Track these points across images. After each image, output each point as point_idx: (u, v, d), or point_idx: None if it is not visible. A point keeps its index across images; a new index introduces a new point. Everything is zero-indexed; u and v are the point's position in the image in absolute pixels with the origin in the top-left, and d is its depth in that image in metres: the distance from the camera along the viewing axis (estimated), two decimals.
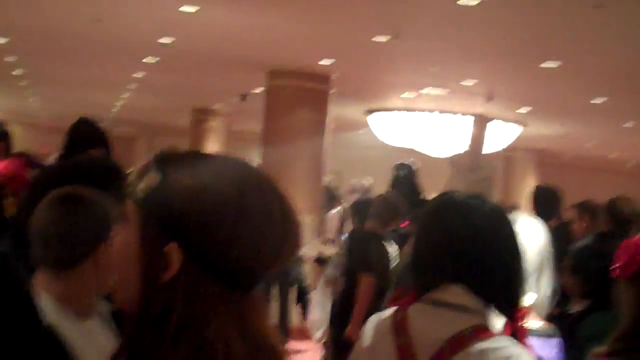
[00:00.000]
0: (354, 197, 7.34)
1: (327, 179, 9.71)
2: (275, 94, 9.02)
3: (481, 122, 4.96)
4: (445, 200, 1.71)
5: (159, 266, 0.94)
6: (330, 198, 10.82)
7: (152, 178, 0.96)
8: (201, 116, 14.54)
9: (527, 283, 1.71)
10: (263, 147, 8.98)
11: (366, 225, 5.22)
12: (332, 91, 9.05)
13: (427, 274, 1.66)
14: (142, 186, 0.96)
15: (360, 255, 4.96)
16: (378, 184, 12.35)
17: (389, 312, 1.71)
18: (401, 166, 6.67)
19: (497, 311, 1.63)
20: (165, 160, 0.97)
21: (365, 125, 12.70)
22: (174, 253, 0.93)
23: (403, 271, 3.89)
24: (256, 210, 0.95)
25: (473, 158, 4.59)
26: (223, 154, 1.02)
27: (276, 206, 0.97)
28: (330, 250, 7.23)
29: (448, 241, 1.62)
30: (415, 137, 11.27)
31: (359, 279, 4.95)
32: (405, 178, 6.47)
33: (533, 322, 2.10)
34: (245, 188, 0.95)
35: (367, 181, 7.82)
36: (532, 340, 1.99)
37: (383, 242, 5.05)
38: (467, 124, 10.04)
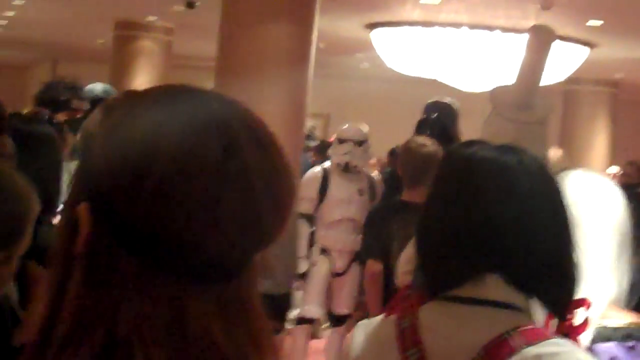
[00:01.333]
0: (342, 151, 7.31)
1: (310, 125, 9.48)
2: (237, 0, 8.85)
3: (541, 37, 4.98)
4: (465, 157, 1.74)
5: (71, 234, 0.99)
6: (315, 152, 10.67)
7: (92, 124, 1.02)
8: (128, 33, 14.51)
9: (586, 270, 1.78)
10: (218, 77, 8.81)
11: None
12: None
13: (445, 266, 1.72)
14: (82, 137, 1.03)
15: (368, 236, 5.31)
16: (384, 132, 12.18)
17: (381, 320, 1.80)
18: (432, 106, 6.63)
19: (543, 307, 1.72)
20: (119, 100, 1.03)
21: (366, 46, 12.62)
22: (83, 215, 0.98)
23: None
24: (205, 165, 0.96)
25: (524, 92, 4.65)
26: (204, 90, 1.05)
27: (256, 164, 0.99)
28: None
29: (476, 218, 1.68)
30: (439, 63, 11.23)
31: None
32: (438, 124, 6.42)
33: (616, 319, 2.09)
34: (192, 138, 0.97)
35: (362, 128, 7.81)
36: (613, 348, 2.03)
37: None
38: (513, 44, 9.97)
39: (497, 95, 4.79)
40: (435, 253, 1.75)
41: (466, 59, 10.93)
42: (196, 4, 11.33)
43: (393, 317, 1.76)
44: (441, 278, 1.72)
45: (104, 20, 14.16)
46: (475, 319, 1.66)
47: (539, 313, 1.73)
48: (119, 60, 14.52)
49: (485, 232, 1.67)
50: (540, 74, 4.80)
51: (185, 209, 0.94)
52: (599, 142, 15.79)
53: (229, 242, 0.97)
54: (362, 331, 1.82)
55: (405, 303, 1.78)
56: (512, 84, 4.81)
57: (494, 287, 1.66)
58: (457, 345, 1.65)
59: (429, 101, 6.83)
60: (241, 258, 1.00)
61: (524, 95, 4.61)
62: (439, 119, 6.53)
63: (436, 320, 1.70)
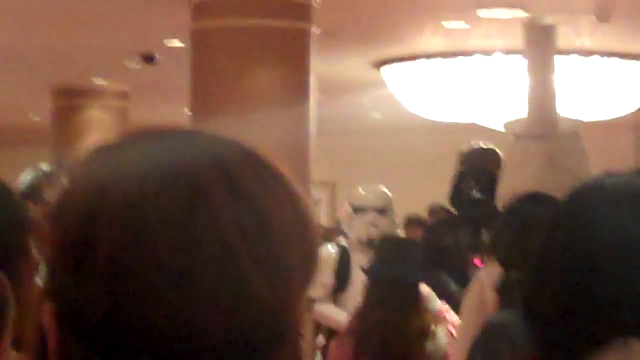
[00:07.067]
0: (362, 222, 7.30)
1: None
2: (209, 44, 8.94)
3: (537, 36, 5.22)
4: (592, 188, 1.63)
5: (42, 337, 1.06)
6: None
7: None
8: (70, 103, 14.59)
9: None
10: None
11: None
12: (314, 30, 8.92)
13: (572, 326, 1.62)
14: None
15: None
16: (409, 196, 12.00)
17: None
18: (474, 155, 6.80)
19: None
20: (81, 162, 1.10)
21: (375, 89, 12.76)
22: (47, 315, 1.05)
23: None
24: (163, 220, 1.00)
25: (533, 116, 4.92)
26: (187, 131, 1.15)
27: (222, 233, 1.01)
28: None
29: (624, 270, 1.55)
30: (474, 101, 11.21)
31: None
32: (486, 176, 6.52)
33: None
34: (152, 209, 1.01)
35: (383, 191, 7.83)
36: None
37: None
38: (568, 67, 9.94)
39: (512, 122, 4.97)
40: (558, 311, 1.63)
41: (508, 92, 10.87)
42: (155, 57, 11.39)
43: None
44: (563, 343, 1.62)
45: (39, 89, 14.16)
46: None
47: None
48: (62, 139, 14.37)
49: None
50: (551, 87, 5.00)
51: (141, 281, 0.99)
52: None
53: (203, 323, 0.99)
54: None
55: None
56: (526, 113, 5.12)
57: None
58: None
59: (466, 149, 6.97)
60: (229, 342, 1.00)
61: (531, 119, 4.78)
62: (487, 169, 6.60)
63: None
